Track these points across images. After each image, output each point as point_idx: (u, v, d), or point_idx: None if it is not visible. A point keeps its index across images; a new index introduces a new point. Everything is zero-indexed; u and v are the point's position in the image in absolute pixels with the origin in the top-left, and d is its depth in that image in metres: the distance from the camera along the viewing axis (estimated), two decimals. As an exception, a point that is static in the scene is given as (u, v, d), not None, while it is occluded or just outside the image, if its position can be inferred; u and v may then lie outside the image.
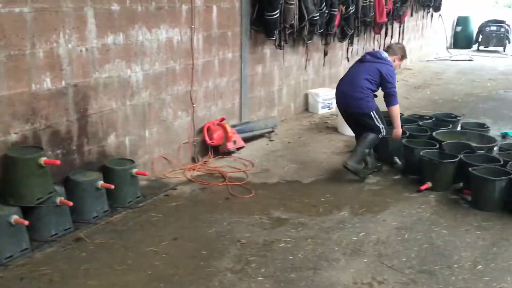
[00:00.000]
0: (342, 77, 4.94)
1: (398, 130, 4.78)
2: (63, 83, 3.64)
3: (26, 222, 3.12)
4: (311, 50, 7.18)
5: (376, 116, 4.68)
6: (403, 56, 4.95)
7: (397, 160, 5.02)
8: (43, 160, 3.20)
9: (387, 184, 4.68)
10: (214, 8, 5.10)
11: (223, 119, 5.46)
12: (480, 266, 3.27)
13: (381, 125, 4.69)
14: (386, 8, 8.41)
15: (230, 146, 5.36)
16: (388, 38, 9.45)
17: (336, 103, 4.97)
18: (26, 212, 3.22)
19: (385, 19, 8.45)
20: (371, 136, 4.68)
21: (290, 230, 3.72)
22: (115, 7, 3.95)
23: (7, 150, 3.27)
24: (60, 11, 3.51)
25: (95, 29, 3.82)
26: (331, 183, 4.68)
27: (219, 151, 5.37)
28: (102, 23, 3.86)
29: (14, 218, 3.09)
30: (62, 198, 3.39)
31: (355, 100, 4.65)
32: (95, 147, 4.00)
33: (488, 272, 3.21)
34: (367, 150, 4.70)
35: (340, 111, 5.06)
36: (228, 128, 5.36)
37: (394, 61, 4.82)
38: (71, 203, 3.40)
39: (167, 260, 3.26)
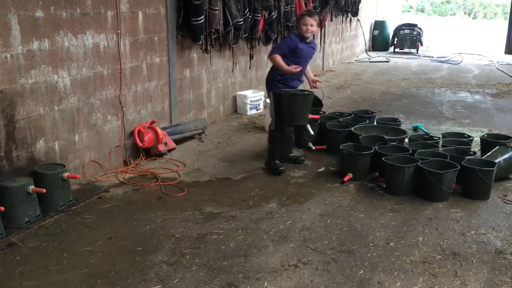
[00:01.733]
0: None
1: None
2: (-12, 89, 3.63)
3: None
4: (238, 54, 7.46)
5: (273, 103, 5.08)
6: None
7: (311, 145, 5.64)
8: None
9: (312, 176, 5.03)
10: (140, 14, 5.22)
11: (153, 122, 5.58)
12: (392, 243, 3.66)
13: (273, 119, 5.10)
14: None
15: (161, 148, 5.49)
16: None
17: None
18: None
19: (306, 23, 8.89)
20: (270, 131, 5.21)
21: (222, 223, 3.94)
22: (39, 13, 3.98)
23: None
24: (-17, 18, 3.51)
25: (20, 35, 3.83)
26: (260, 178, 4.95)
27: (151, 153, 5.48)
28: (27, 30, 3.88)
29: None
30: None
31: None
32: (24, 153, 4.00)
33: (399, 248, 3.60)
34: (270, 145, 5.17)
35: None
36: (159, 131, 5.49)
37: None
38: (2, 208, 3.41)
39: (103, 258, 3.36)
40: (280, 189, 4.69)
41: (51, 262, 3.26)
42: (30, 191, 3.70)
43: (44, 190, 3.76)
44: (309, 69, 5.23)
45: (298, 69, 4.79)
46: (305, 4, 8.77)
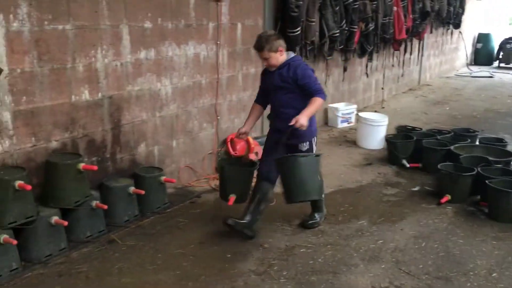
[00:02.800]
0: None
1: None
2: (100, 95, 3.90)
3: (65, 223, 3.36)
4: (331, 66, 7.38)
5: None
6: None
7: (405, 162, 5.23)
8: (81, 165, 3.44)
9: (405, 195, 4.81)
10: (239, 25, 5.35)
11: (245, 131, 5.66)
12: (495, 274, 3.38)
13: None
14: (405, 25, 8.58)
15: (253, 157, 5.55)
16: (408, 54, 9.62)
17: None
18: (64, 214, 3.46)
19: (404, 35, 8.62)
20: None
21: (311, 236, 3.88)
22: (147, 24, 4.22)
23: (49, 156, 3.52)
24: (99, 28, 3.79)
25: (129, 45, 4.09)
26: (350, 194, 4.83)
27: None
28: (136, 39, 4.13)
29: (55, 219, 3.33)
30: (98, 202, 3.63)
31: None
32: (126, 155, 4.25)
33: (503, 280, 3.32)
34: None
35: None
36: (251, 140, 5.56)
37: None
38: (105, 207, 3.64)
39: (194, 261, 3.45)
40: (371, 206, 4.54)
41: (147, 261, 3.41)
42: (131, 192, 3.91)
43: (143, 192, 3.95)
44: (311, 103, 3.55)
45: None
46: (404, 16, 8.48)
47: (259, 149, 5.69)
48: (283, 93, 3.68)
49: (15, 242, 3.07)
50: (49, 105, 3.53)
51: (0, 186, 3.08)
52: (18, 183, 3.07)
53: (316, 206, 4.09)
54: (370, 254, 3.62)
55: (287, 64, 3.65)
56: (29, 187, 3.09)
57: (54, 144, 3.61)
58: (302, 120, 3.43)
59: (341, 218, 4.25)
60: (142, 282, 3.15)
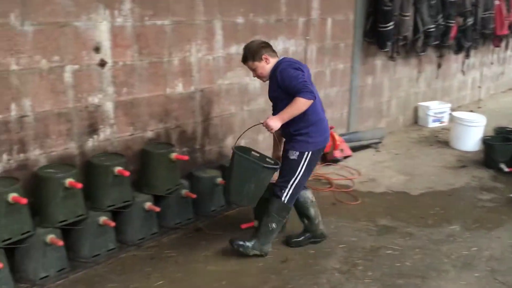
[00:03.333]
0: (318, 103, 3.36)
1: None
2: (192, 88, 4.05)
3: (158, 209, 3.53)
4: (424, 62, 7.07)
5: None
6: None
7: (503, 166, 4.91)
8: (174, 155, 3.59)
9: (503, 201, 4.50)
10: (329, 20, 5.29)
11: (331, 128, 5.58)
12: None
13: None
14: (507, 20, 7.99)
15: (338, 154, 5.49)
16: (509, 51, 8.96)
17: (327, 139, 3.42)
18: (156, 200, 3.63)
19: (506, 31, 8.03)
20: None
21: (397, 238, 3.76)
22: (240, 20, 4.30)
23: (144, 145, 3.72)
24: (194, 24, 3.93)
25: (222, 40, 4.19)
26: (441, 197, 4.60)
27: (327, 158, 5.52)
28: (228, 35, 4.23)
29: (148, 205, 3.52)
30: (187, 191, 3.77)
31: None
32: (215, 147, 4.37)
33: None
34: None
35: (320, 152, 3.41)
36: (336, 137, 5.50)
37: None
38: (194, 196, 3.77)
39: (277, 254, 3.48)
40: (464, 211, 4.29)
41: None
42: (218, 182, 4.02)
43: (230, 183, 4.04)
44: (291, 103, 3.15)
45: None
46: (507, 10, 7.89)
47: (345, 146, 5.61)
48: (278, 102, 3.32)
49: (113, 224, 3.28)
50: (147, 97, 3.72)
51: (101, 171, 3.30)
52: (117, 169, 3.28)
53: (259, 231, 3.38)
54: (463, 261, 3.43)
55: (273, 71, 3.26)
56: (127, 173, 3.28)
57: (149, 134, 3.81)
58: (271, 122, 3.12)
59: (431, 221, 4.07)
60: (227, 271, 3.23)
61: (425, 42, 6.38)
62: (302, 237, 3.60)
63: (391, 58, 6.18)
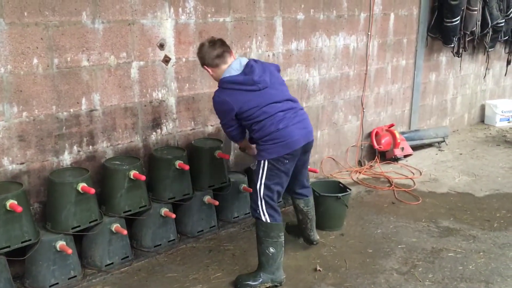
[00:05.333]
0: (271, 115, 2.97)
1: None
2: (252, 84, 4.08)
3: (216, 203, 3.60)
4: (492, 59, 6.75)
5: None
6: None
7: None
8: (217, 153, 3.58)
9: None
10: (392, 15, 5.16)
11: (392, 125, 5.48)
12: None
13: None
14: None
15: (398, 152, 5.36)
16: None
17: (296, 143, 2.99)
18: (215, 195, 3.71)
19: None
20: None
21: (460, 241, 3.63)
22: (300, 16, 4.29)
23: (194, 141, 3.74)
24: (255, 20, 3.96)
25: (282, 36, 4.20)
26: (508, 199, 4.39)
27: (386, 157, 5.40)
28: (288, 31, 4.23)
29: (207, 198, 3.60)
30: (245, 186, 3.82)
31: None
32: (273, 143, 4.39)
33: None
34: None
35: (295, 155, 3.03)
36: (397, 135, 5.37)
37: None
38: (251, 190, 3.80)
39: (335, 252, 3.46)
40: (533, 215, 4.08)
41: (288, 246, 3.45)
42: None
43: (288, 179, 4.05)
44: None
45: None
46: None
47: (405, 145, 5.46)
48: None
49: (173, 215, 3.39)
50: (208, 92, 3.80)
51: (163, 165, 3.40)
52: (178, 163, 3.37)
53: (260, 263, 3.07)
54: (531, 268, 3.26)
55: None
56: (187, 167, 3.37)
57: (210, 129, 3.89)
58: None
59: (496, 224, 3.89)
60: (284, 266, 3.23)
61: (493, 38, 6.08)
62: (256, 281, 3.04)
63: (457, 54, 5.95)
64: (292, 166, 3.06)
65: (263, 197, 3.00)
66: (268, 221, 2.99)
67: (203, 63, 3.07)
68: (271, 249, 3.00)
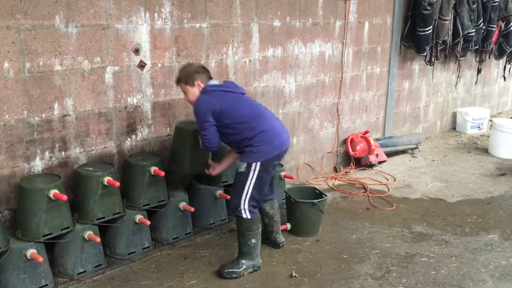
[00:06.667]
0: (260, 114, 3.20)
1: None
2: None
3: (192, 209, 3.56)
4: (463, 67, 6.91)
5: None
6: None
7: None
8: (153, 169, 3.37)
9: (545, 211, 4.35)
10: (366, 24, 5.24)
11: (366, 132, 5.55)
12: None
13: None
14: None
15: (373, 159, 5.43)
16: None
17: (285, 144, 3.22)
18: (191, 201, 3.68)
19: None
20: None
21: (433, 246, 3.68)
22: (276, 23, 4.32)
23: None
24: (231, 27, 3.97)
25: (258, 42, 4.22)
26: (479, 205, 4.49)
27: (361, 163, 5.46)
28: (264, 38, 4.25)
29: (182, 204, 3.57)
30: (221, 192, 3.80)
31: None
32: (249, 149, 4.39)
33: None
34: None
35: (282, 155, 3.26)
36: (371, 141, 5.44)
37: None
38: (228, 197, 3.79)
39: (310, 258, 3.47)
40: (503, 220, 4.17)
41: (265, 253, 3.48)
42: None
43: (264, 186, 4.05)
44: None
45: None
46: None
47: (380, 151, 5.54)
48: None
49: (148, 222, 3.34)
50: (184, 98, 3.76)
51: (138, 171, 3.36)
52: (154, 169, 3.34)
53: (242, 252, 3.25)
54: (501, 271, 3.33)
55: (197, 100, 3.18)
56: (163, 173, 3.34)
57: (185, 135, 3.86)
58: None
59: (468, 229, 3.97)
60: (260, 273, 3.24)
61: (464, 47, 6.23)
62: (240, 268, 3.22)
63: (429, 62, 6.07)
64: (276, 167, 3.27)
65: (250, 199, 3.14)
66: (249, 217, 3.16)
67: (195, 79, 3.18)
68: (253, 240, 3.20)
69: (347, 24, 4.99)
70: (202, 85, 3.21)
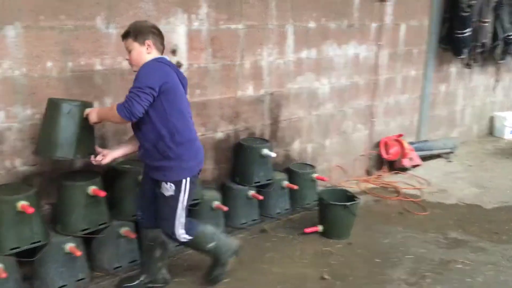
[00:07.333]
0: (182, 117, 2.74)
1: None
2: (262, 91, 4.11)
3: (226, 208, 3.60)
4: (502, 71, 6.73)
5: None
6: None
7: None
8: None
9: None
10: (403, 26, 5.17)
11: (400, 135, 5.47)
12: None
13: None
14: None
15: (406, 162, 5.35)
16: None
17: (200, 165, 2.85)
18: (225, 201, 3.71)
19: None
20: None
21: (469, 253, 3.61)
22: (311, 24, 4.31)
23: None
24: (266, 28, 3.99)
25: (293, 44, 4.22)
26: (518, 212, 4.37)
27: (394, 166, 5.39)
28: (299, 39, 4.25)
29: (215, 204, 3.60)
30: (254, 192, 3.83)
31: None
32: (281, 150, 4.40)
33: None
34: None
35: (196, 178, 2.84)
36: (405, 145, 5.36)
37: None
38: (261, 197, 3.82)
39: (342, 261, 3.45)
40: (543, 228, 4.05)
41: (295, 254, 3.49)
42: (284, 186, 4.05)
43: (296, 187, 4.06)
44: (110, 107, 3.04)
45: None
46: None
47: (414, 155, 5.45)
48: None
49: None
50: (218, 99, 3.82)
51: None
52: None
53: (214, 259, 3.04)
54: (540, 282, 3.24)
55: (142, 66, 2.61)
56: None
57: (219, 135, 3.90)
58: (91, 113, 2.71)
59: (505, 237, 3.87)
60: (292, 274, 3.24)
61: (504, 50, 6.08)
62: (137, 282, 3.00)
63: (467, 65, 5.94)
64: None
65: (182, 224, 2.76)
66: (192, 238, 2.82)
67: (148, 38, 2.66)
68: (214, 244, 2.92)
69: (383, 26, 4.93)
70: (153, 49, 2.68)
